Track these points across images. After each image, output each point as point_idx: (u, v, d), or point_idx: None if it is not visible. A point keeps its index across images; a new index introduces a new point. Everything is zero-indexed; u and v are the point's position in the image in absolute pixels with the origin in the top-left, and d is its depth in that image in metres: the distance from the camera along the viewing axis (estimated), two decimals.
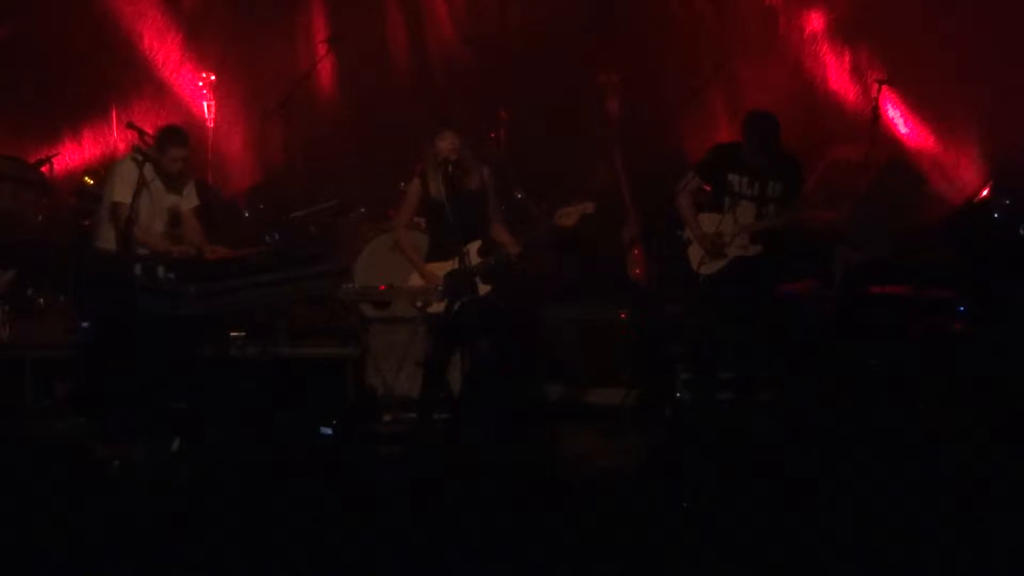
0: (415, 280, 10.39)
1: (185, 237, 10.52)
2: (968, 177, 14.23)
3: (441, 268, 10.28)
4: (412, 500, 8.79)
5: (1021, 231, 12.70)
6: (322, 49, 14.55)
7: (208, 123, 14.32)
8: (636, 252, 12.60)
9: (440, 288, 10.21)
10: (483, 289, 10.23)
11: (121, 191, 10.13)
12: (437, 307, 10.22)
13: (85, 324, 11.67)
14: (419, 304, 10.27)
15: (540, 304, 11.73)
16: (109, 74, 14.77)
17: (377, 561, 7.63)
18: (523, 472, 9.44)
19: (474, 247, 10.21)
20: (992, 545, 7.85)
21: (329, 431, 10.33)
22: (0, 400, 10.91)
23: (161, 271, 9.74)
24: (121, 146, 14.29)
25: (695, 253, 10.62)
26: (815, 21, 14.90)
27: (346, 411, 10.88)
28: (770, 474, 9.28)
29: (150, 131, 11.00)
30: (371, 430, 10.74)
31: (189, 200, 10.60)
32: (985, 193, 13.56)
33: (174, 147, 10.32)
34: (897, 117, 14.56)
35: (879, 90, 13.70)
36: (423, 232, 10.86)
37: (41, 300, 12.96)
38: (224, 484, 9.09)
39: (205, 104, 14.41)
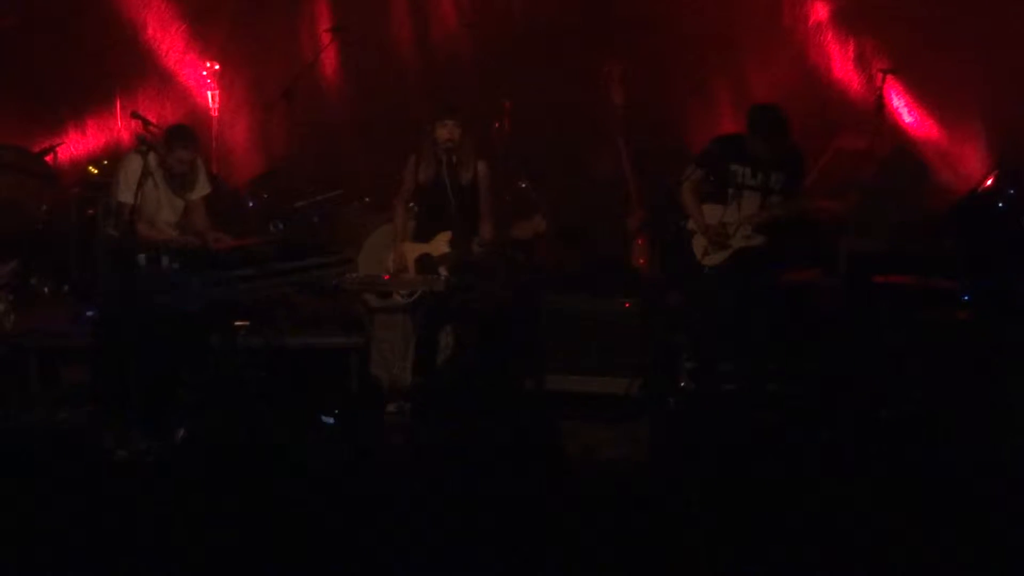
0: (389, 260, 10.53)
1: (190, 225, 10.52)
2: (972, 167, 14.21)
3: (415, 251, 10.41)
4: (413, 490, 8.81)
5: None
6: (326, 38, 14.55)
7: (212, 113, 14.32)
8: (640, 242, 12.60)
9: (443, 278, 10.26)
10: (444, 279, 10.34)
11: (124, 191, 10.12)
12: (409, 289, 10.39)
13: (89, 312, 11.69)
14: (403, 293, 10.37)
15: (526, 296, 11.77)
16: (113, 63, 14.76)
17: (379, 552, 7.64)
18: (525, 462, 9.46)
19: (446, 237, 10.31)
20: (997, 544, 7.85)
21: (331, 420, 10.35)
22: (4, 389, 10.92)
23: (165, 261, 9.75)
24: (125, 135, 14.31)
25: (699, 243, 10.63)
26: (820, 11, 14.88)
27: (350, 400, 10.89)
28: (773, 464, 9.30)
29: (154, 120, 10.99)
30: (374, 419, 10.75)
31: (199, 189, 10.57)
32: (989, 183, 13.53)
33: (180, 149, 10.26)
34: (901, 107, 14.54)
35: (884, 80, 13.70)
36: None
37: (45, 289, 12.98)
38: (227, 474, 9.11)
39: (209, 94, 14.41)
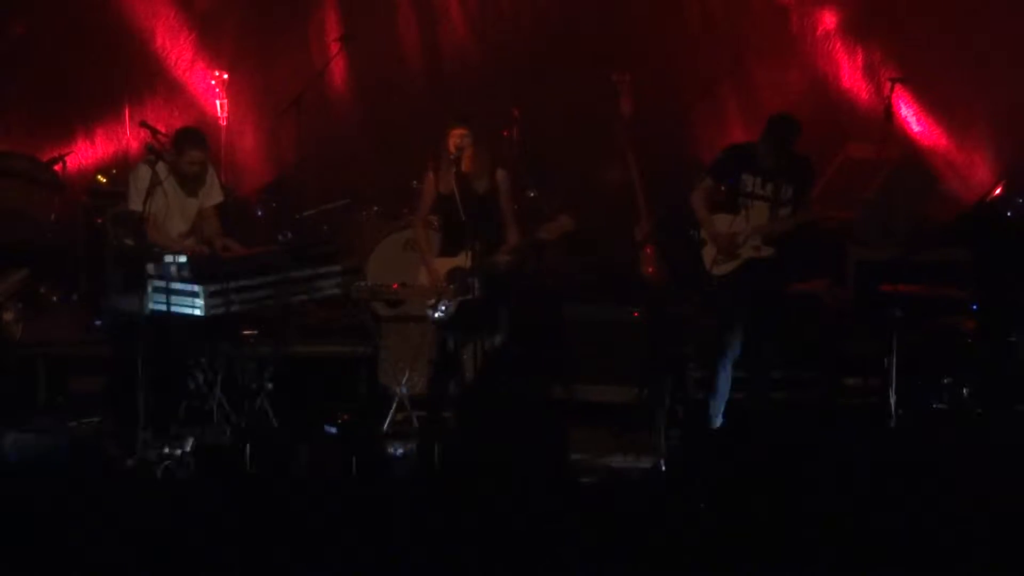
0: (423, 276, 10.42)
1: (201, 233, 10.52)
2: (981, 176, 14.21)
3: (446, 265, 10.31)
4: (418, 499, 8.81)
5: None
6: (335, 47, 14.56)
7: (221, 122, 14.32)
8: (648, 251, 12.60)
9: (453, 287, 10.22)
10: (478, 290, 10.24)
11: (135, 200, 10.14)
12: (426, 301, 10.30)
13: (98, 321, 11.71)
14: (429, 303, 10.28)
15: (548, 303, 11.75)
16: (122, 73, 14.78)
17: (382, 560, 7.63)
18: (532, 471, 9.45)
19: (477, 247, 10.22)
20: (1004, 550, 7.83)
21: (334, 430, 10.35)
22: (13, 398, 10.93)
23: (174, 270, 9.75)
24: (134, 144, 14.31)
25: (708, 253, 10.61)
26: (828, 19, 14.88)
27: (358, 410, 10.88)
28: (781, 474, 9.28)
29: (163, 129, 11.00)
30: (383, 428, 10.75)
31: (212, 196, 10.57)
32: (998, 192, 13.54)
33: (191, 150, 10.27)
34: (910, 115, 14.55)
35: (892, 88, 13.68)
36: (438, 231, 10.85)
37: (54, 298, 13.00)
38: (235, 483, 9.11)
39: (218, 103, 14.41)
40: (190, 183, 10.38)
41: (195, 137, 10.39)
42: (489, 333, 10.36)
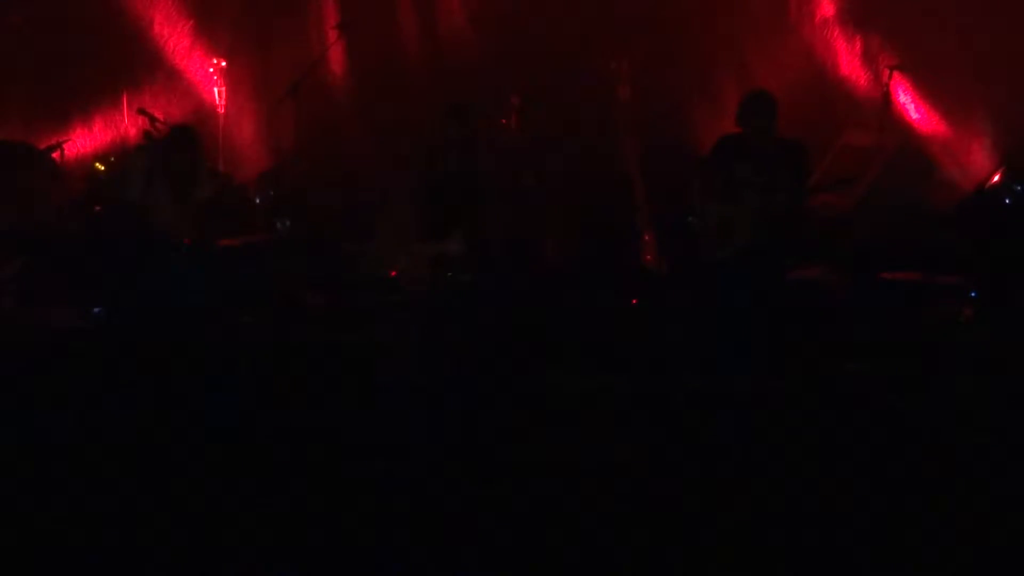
0: (402, 259, 10.51)
1: (195, 222, 10.54)
2: (979, 163, 14.21)
3: (428, 249, 10.38)
4: (415, 488, 8.83)
5: None
6: (333, 35, 14.56)
7: (219, 109, 14.34)
8: (646, 238, 12.61)
9: (450, 275, 10.26)
10: (463, 274, 10.32)
11: (129, 189, 10.16)
12: (418, 287, 10.35)
13: (96, 309, 11.71)
14: (423, 289, 10.36)
15: (535, 289, 11.80)
16: (120, 60, 14.80)
17: (376, 553, 7.65)
18: (526, 460, 9.47)
19: (461, 232, 10.29)
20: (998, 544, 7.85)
21: (330, 414, 10.37)
22: (10, 387, 10.94)
23: (171, 258, 9.78)
24: (132, 132, 14.33)
25: (706, 240, 10.64)
26: (826, 7, 14.89)
27: (354, 396, 10.90)
28: (776, 463, 9.31)
29: (161, 117, 11.01)
30: (381, 416, 10.76)
31: (204, 189, 10.59)
32: (996, 179, 13.54)
33: (178, 151, 10.30)
34: (908, 103, 14.55)
35: (890, 76, 13.71)
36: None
37: (52, 286, 12.99)
38: (231, 471, 9.13)
39: (216, 90, 14.43)
40: (179, 178, 10.40)
41: (184, 139, 10.43)
42: (468, 316, 10.44)
